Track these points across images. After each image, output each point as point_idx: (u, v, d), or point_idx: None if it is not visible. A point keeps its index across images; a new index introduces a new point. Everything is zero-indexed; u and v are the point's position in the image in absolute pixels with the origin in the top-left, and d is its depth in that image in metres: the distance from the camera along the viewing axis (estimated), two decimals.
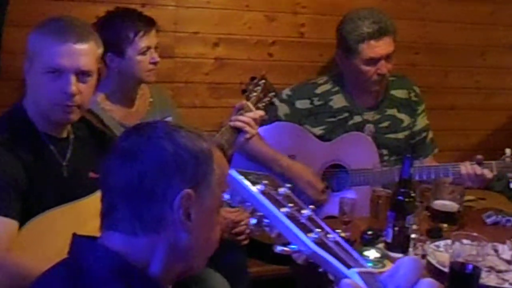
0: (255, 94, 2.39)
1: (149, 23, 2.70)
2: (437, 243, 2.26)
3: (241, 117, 2.30)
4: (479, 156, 2.72)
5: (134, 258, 1.23)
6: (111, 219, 1.27)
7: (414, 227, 2.27)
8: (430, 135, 3.18)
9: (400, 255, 2.18)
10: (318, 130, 3.03)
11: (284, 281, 2.74)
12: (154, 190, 1.23)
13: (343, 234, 2.30)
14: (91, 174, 2.08)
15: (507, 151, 2.70)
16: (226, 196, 0.92)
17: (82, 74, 1.97)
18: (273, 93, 2.45)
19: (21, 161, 1.94)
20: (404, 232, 2.22)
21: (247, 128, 2.29)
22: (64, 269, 1.27)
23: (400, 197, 2.23)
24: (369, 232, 2.30)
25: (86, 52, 1.97)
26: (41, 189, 1.97)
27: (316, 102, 3.04)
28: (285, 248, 0.88)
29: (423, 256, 2.18)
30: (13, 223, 1.86)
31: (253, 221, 0.89)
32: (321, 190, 2.90)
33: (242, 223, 2.59)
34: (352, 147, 3.00)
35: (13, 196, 1.88)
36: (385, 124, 3.09)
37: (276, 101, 2.82)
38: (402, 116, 3.12)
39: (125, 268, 1.22)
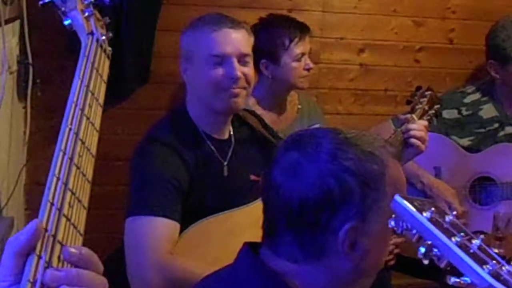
0: (420, 106, 2.26)
1: (304, 29, 2.71)
2: None
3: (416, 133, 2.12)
4: None
5: (295, 282, 1.20)
6: (272, 240, 1.23)
7: None
8: None
9: None
10: (465, 141, 2.91)
11: None
12: (316, 220, 1.16)
13: (496, 251, 2.19)
14: (252, 177, 2.10)
15: None
16: (391, 223, 0.88)
17: (242, 57, 2.01)
18: (438, 106, 2.33)
19: (184, 162, 1.97)
20: None
21: (418, 143, 2.12)
22: (225, 276, 1.27)
23: None
24: None
25: (243, 36, 2.02)
26: (202, 189, 2.00)
27: (465, 112, 2.93)
28: (459, 280, 0.84)
29: None
30: (175, 225, 1.88)
31: (422, 250, 0.85)
32: (459, 214, 2.77)
33: (391, 242, 2.50)
34: (503, 159, 2.86)
35: (176, 197, 1.91)
36: None
37: None
38: None
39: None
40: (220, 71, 1.98)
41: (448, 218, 0.88)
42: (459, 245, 0.85)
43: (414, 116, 2.22)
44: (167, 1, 2.92)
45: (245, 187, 2.09)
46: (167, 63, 2.99)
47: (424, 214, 0.87)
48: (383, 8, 3.18)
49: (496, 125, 2.92)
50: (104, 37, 1.37)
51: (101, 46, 1.33)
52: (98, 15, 1.49)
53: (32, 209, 2.84)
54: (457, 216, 2.66)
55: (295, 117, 2.88)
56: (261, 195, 1.27)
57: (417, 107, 2.28)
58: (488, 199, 2.87)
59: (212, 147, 2.06)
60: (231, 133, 2.14)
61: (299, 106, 2.91)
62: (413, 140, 2.11)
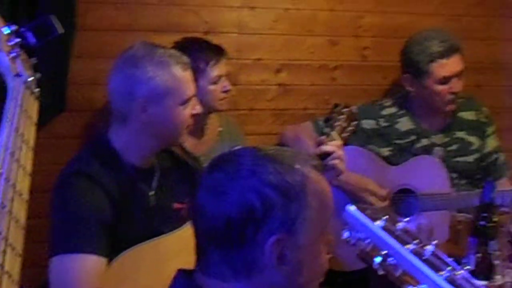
0: (339, 123, 2.30)
1: (219, 52, 2.71)
2: None
3: (334, 154, 2.14)
4: None
5: None
6: (203, 262, 1.24)
7: (497, 253, 2.20)
8: (502, 157, 3.10)
9: (483, 282, 2.11)
10: (385, 151, 2.99)
11: None
12: (241, 236, 1.17)
13: None
14: (175, 205, 2.08)
15: None
16: (346, 234, 0.88)
17: None
18: (356, 122, 2.38)
19: (108, 195, 1.93)
20: (487, 258, 2.15)
21: (337, 162, 2.14)
22: None
23: (482, 222, 2.16)
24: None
25: None
26: (129, 221, 1.97)
27: (382, 123, 3.01)
28: None
29: None
30: (102, 261, 1.84)
31: (377, 260, 0.85)
32: (384, 197, 2.82)
33: None
34: (421, 171, 2.94)
35: (101, 232, 1.87)
36: (454, 147, 3.03)
37: None
38: (471, 138, 3.05)
39: None
40: (189, 110, 2.04)
41: (399, 225, 0.89)
42: (414, 253, 0.85)
43: (333, 133, 2.24)
44: (81, 27, 2.85)
45: (171, 216, 2.07)
46: (83, 90, 2.93)
47: (377, 223, 0.87)
48: (298, 28, 3.22)
49: (413, 137, 3.01)
50: (31, 78, 1.33)
51: (29, 88, 1.28)
52: (25, 56, 1.44)
53: None
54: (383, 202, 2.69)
55: (216, 140, 2.86)
56: (189, 220, 1.27)
57: (335, 124, 2.31)
58: (409, 210, 2.93)
59: (138, 177, 2.04)
60: (154, 161, 2.13)
61: (220, 129, 2.90)
62: (331, 162, 2.14)
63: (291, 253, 1.18)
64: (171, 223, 2.00)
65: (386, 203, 2.84)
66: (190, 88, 2.04)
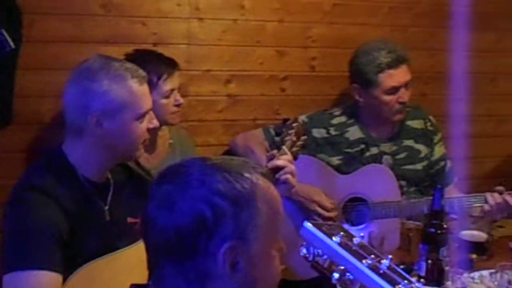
0: (289, 137, 2.30)
1: (172, 65, 2.69)
2: (471, 274, 2.23)
3: (286, 169, 2.17)
4: (500, 187, 2.71)
5: None
6: (156, 276, 1.24)
7: (447, 259, 2.24)
8: (449, 164, 3.16)
9: None
10: (335, 160, 3.01)
11: None
12: (194, 246, 1.17)
13: None
14: (129, 219, 2.06)
15: None
16: (303, 251, 0.88)
17: None
18: (305, 137, 2.39)
19: (63, 210, 1.89)
20: (438, 265, 2.19)
21: (289, 177, 2.16)
22: None
23: (432, 229, 2.20)
24: (401, 266, 2.27)
25: None
26: (84, 236, 1.93)
27: (333, 132, 3.04)
28: None
29: None
30: (57, 277, 1.81)
31: (336, 275, 0.85)
32: (330, 208, 2.85)
33: None
34: (372, 179, 2.97)
35: (56, 248, 1.84)
36: (402, 155, 3.08)
37: None
38: (419, 146, 3.11)
39: None
40: (145, 124, 2.02)
41: (355, 240, 0.90)
42: (371, 267, 0.86)
43: (284, 147, 2.26)
44: (27, 39, 2.80)
45: (125, 230, 2.04)
46: (30, 102, 2.88)
47: (334, 238, 0.87)
48: (247, 39, 3.23)
49: (362, 146, 3.04)
50: None
51: None
52: None
53: None
54: (329, 213, 2.71)
55: (167, 152, 2.84)
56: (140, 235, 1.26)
57: (286, 138, 2.32)
58: (360, 219, 2.96)
59: (93, 192, 2.01)
60: (109, 175, 2.10)
61: (171, 141, 2.88)
62: (283, 177, 2.16)
63: (243, 260, 1.19)
64: (126, 238, 1.98)
65: (334, 213, 2.86)
66: (146, 102, 2.01)
